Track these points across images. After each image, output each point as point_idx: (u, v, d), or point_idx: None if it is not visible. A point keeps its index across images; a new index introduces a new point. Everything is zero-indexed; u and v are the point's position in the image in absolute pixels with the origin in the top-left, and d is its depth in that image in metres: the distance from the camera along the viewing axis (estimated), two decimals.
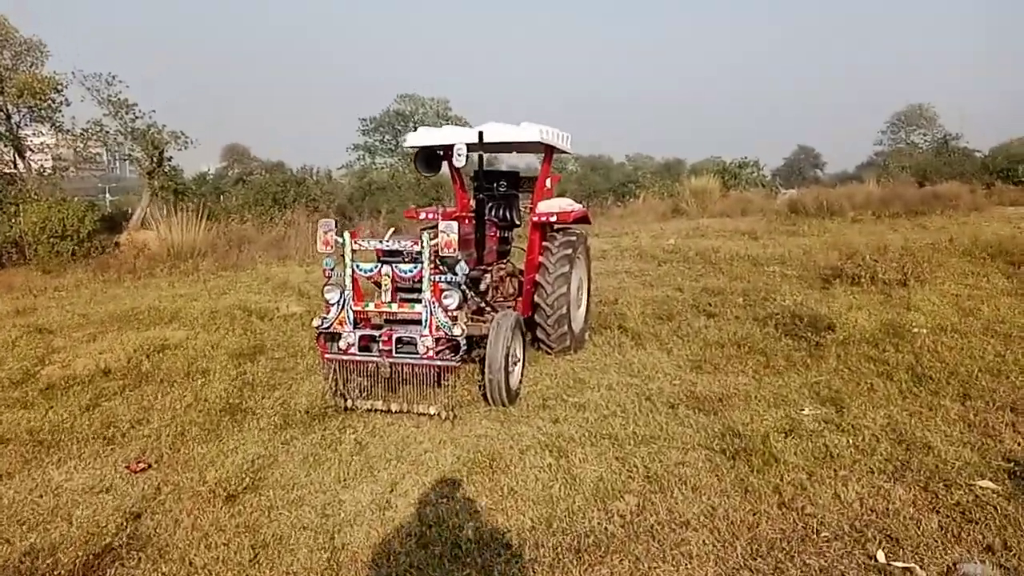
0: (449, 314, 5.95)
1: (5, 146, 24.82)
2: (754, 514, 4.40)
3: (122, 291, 12.88)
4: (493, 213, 8.20)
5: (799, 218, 21.00)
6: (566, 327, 7.66)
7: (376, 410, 6.18)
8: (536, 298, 7.65)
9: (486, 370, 6.13)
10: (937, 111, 52.66)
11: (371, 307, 6.09)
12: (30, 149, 25.73)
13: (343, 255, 6.11)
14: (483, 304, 6.67)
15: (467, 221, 7.54)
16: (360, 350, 6.13)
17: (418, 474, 5.07)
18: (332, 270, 6.21)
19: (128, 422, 6.12)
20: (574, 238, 7.88)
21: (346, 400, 6.26)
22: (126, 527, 4.45)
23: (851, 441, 5.40)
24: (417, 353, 5.91)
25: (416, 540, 4.22)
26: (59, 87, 24.89)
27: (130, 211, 26.60)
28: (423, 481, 4.95)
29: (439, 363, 5.92)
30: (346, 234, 6.08)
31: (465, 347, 5.92)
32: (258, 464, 5.27)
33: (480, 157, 6.85)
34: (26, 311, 11.06)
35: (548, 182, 8.29)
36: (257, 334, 9.08)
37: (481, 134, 6.82)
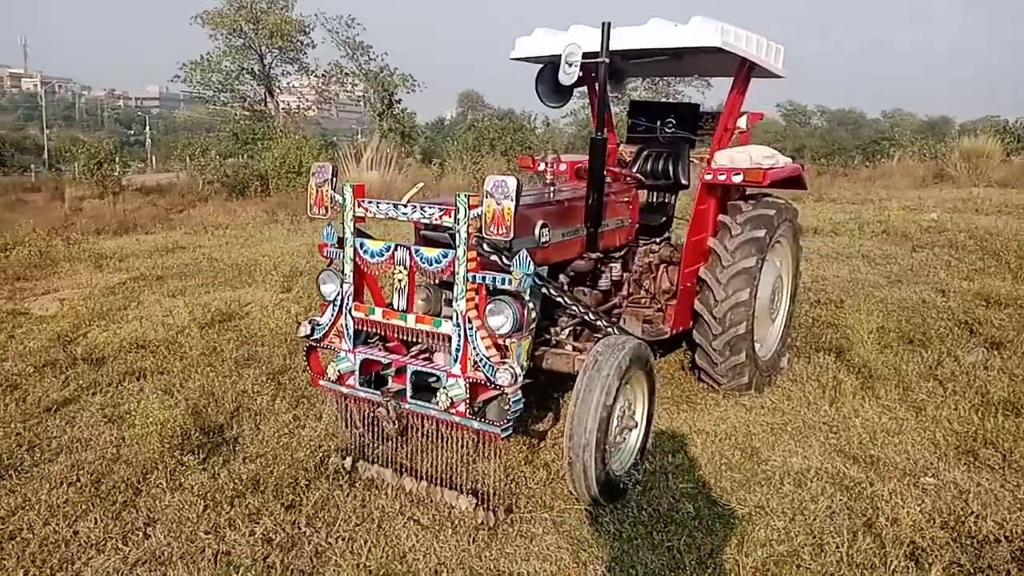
0: (496, 342, 3.12)
1: (258, 85, 25.10)
2: None
3: (279, 232, 11.29)
4: (647, 166, 5.08)
5: None
6: (743, 355, 4.49)
7: (385, 483, 3.54)
8: (697, 304, 4.53)
9: (565, 443, 3.25)
10: None
11: (377, 314, 3.39)
12: (279, 89, 25.88)
13: (343, 223, 3.45)
14: (592, 316, 3.76)
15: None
16: (366, 383, 3.49)
17: None
18: (335, 246, 3.58)
19: (51, 451, 3.92)
20: (771, 212, 4.60)
21: (344, 457, 3.68)
22: None
23: None
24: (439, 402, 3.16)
25: None
26: (306, 29, 24.61)
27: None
28: None
29: (475, 426, 3.14)
30: (347, 189, 3.39)
31: (520, 403, 3.08)
32: None
33: (604, 70, 3.80)
34: (163, 251, 9.70)
35: (743, 122, 5.02)
36: None
37: (606, 26, 3.72)
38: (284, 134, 21.66)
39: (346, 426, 3.77)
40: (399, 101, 25.59)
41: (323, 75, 25.95)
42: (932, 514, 3.38)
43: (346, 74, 25.92)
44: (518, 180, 2.94)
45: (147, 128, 53.95)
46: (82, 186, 18.05)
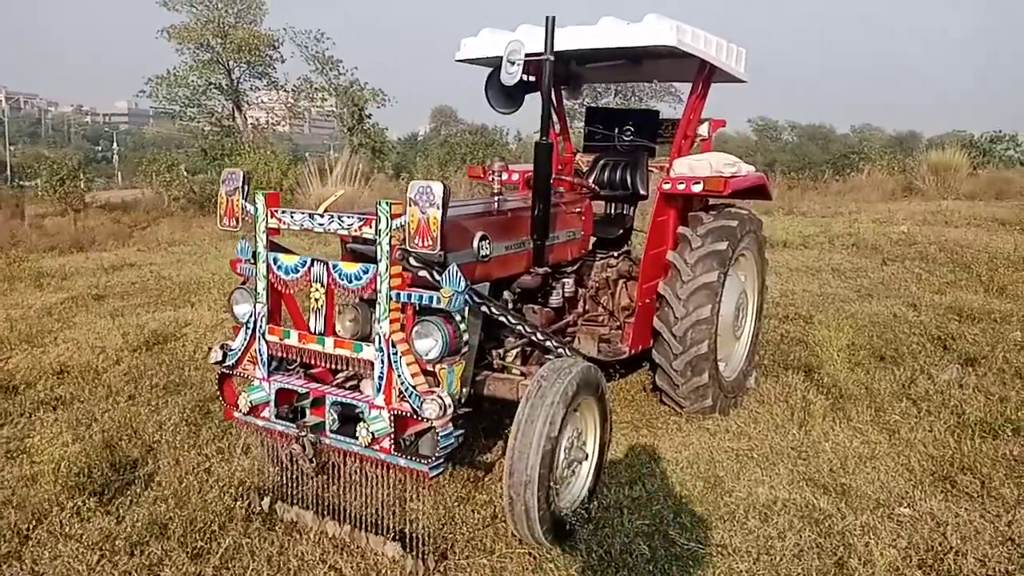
0: (423, 368, 2.76)
1: (226, 99, 24.62)
2: None
3: (234, 249, 10.82)
4: (604, 175, 4.76)
5: None
6: (706, 376, 4.16)
7: (306, 526, 3.16)
8: (656, 322, 4.21)
9: (505, 480, 2.89)
10: None
11: (292, 338, 3.02)
12: (248, 104, 25.41)
13: (256, 236, 3.09)
14: (540, 336, 3.42)
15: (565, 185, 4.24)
16: (289, 414, 3.11)
17: None
18: (249, 262, 3.22)
19: None
20: (734, 223, 4.29)
21: (262, 497, 3.29)
22: None
23: None
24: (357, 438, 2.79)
25: None
26: (275, 44, 24.22)
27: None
28: None
29: (401, 463, 2.77)
30: (259, 198, 3.03)
31: (451, 438, 2.72)
32: None
33: (549, 68, 3.49)
34: (110, 269, 9.21)
35: (704, 129, 4.73)
36: None
37: (550, 21, 3.41)
38: (252, 149, 21.20)
39: (267, 463, 3.38)
40: (369, 116, 25.29)
41: (293, 90, 25.60)
42: (908, 551, 3.07)
43: (316, 89, 25.55)
44: (445, 186, 2.59)
45: (114, 144, 52.91)
46: (44, 203, 17.42)
